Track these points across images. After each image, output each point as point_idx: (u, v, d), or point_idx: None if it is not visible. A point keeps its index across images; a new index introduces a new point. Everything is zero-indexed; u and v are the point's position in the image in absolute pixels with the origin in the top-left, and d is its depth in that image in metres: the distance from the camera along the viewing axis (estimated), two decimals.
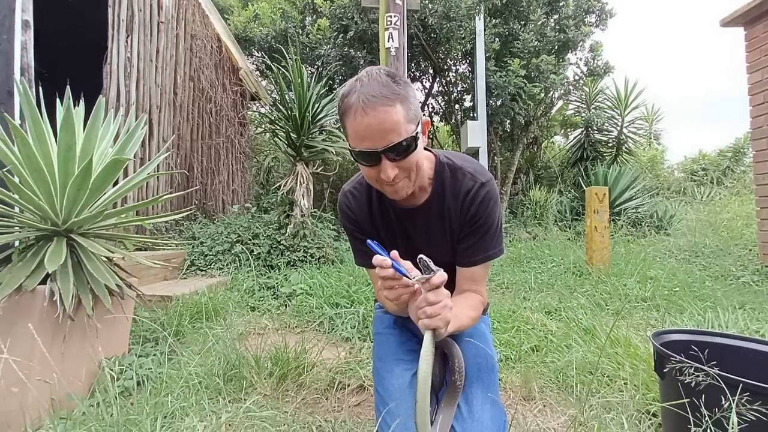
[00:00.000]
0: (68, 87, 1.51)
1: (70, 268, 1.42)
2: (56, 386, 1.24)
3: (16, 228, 1.49)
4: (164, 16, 3.94)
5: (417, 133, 0.78)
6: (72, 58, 5.10)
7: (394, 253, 0.70)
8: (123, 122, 1.88)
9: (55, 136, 1.46)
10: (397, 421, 0.83)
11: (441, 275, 0.69)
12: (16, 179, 1.37)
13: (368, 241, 0.73)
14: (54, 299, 1.36)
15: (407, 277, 0.69)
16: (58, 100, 1.60)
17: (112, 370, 1.40)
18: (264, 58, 6.09)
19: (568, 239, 4.59)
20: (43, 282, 1.39)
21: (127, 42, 3.44)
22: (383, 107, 0.73)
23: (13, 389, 1.22)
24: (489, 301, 1.05)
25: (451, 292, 0.93)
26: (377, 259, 0.68)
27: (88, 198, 1.46)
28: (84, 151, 1.52)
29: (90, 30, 4.34)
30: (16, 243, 1.53)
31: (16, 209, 1.48)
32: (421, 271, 0.70)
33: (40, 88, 1.73)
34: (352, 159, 0.84)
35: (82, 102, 1.73)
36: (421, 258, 0.70)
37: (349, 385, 1.56)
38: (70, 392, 1.33)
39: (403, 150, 0.77)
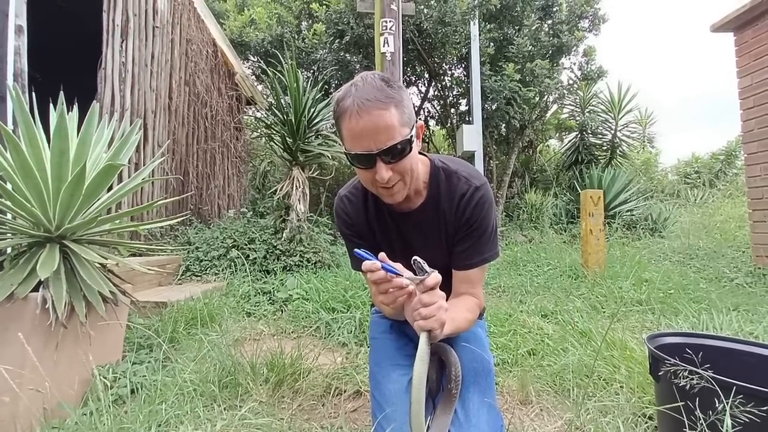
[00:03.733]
0: (62, 92, 1.50)
1: (63, 275, 1.41)
2: (48, 395, 1.22)
3: (8, 234, 1.48)
4: (159, 20, 3.93)
5: (411, 136, 0.80)
6: (66, 62, 5.08)
7: (382, 255, 0.71)
8: (117, 127, 1.87)
9: (49, 141, 1.45)
10: (393, 426, 0.83)
11: (435, 276, 0.69)
12: (9, 185, 1.36)
13: (356, 250, 0.73)
14: (46, 306, 1.34)
15: (399, 275, 0.69)
16: (51, 105, 1.59)
17: (105, 377, 1.38)
18: (260, 62, 6.08)
19: (564, 242, 4.61)
20: (36, 289, 1.37)
21: (121, 47, 3.43)
22: (378, 110, 0.74)
23: (4, 398, 1.20)
24: (486, 305, 1.05)
25: (448, 295, 0.93)
26: (366, 264, 0.69)
27: (82, 204, 1.45)
28: (77, 156, 1.51)
29: (84, 35, 4.34)
30: (8, 250, 1.51)
31: (9, 216, 1.47)
32: (415, 272, 0.71)
33: (34, 93, 1.73)
34: (348, 162, 0.85)
35: (75, 107, 1.72)
36: (416, 260, 0.70)
37: (345, 391, 1.56)
38: (63, 401, 1.31)
39: (398, 153, 0.78)
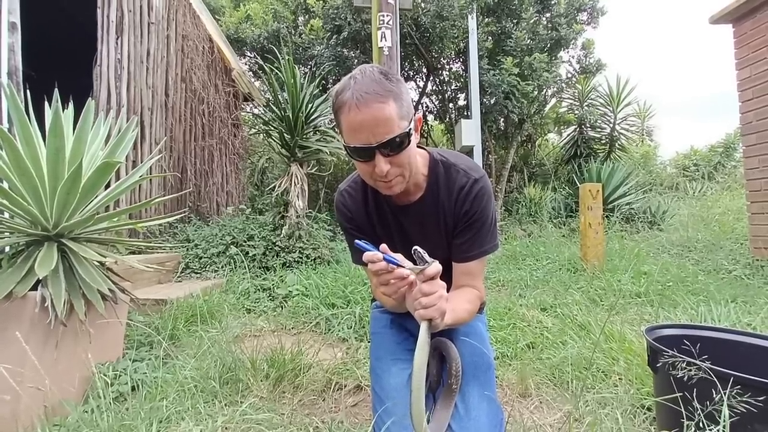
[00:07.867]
0: (57, 89, 1.49)
1: (62, 273, 1.41)
2: (49, 393, 1.22)
3: (5, 233, 1.47)
4: (155, 16, 3.90)
5: (410, 129, 0.80)
6: (61, 60, 5.04)
7: (383, 246, 0.71)
8: (114, 124, 1.86)
9: (44, 139, 1.44)
10: (393, 419, 0.83)
11: (435, 266, 0.69)
12: (5, 184, 1.35)
13: (356, 241, 0.73)
14: (45, 305, 1.34)
15: (400, 266, 0.69)
16: (46, 102, 1.58)
17: (105, 375, 1.39)
18: (256, 58, 6.06)
19: (563, 236, 4.62)
20: (34, 288, 1.37)
21: (117, 43, 3.40)
22: (376, 103, 0.74)
23: (4, 397, 1.20)
24: (485, 299, 1.06)
25: (449, 288, 0.93)
26: (367, 255, 0.69)
27: (79, 202, 1.44)
28: (74, 154, 1.50)
29: (79, 31, 4.30)
30: (6, 249, 1.51)
31: (6, 214, 1.46)
32: (415, 262, 0.71)
33: (28, 90, 1.71)
34: (347, 155, 0.85)
35: (71, 105, 1.71)
36: (416, 249, 0.70)
37: (346, 386, 1.56)
38: (63, 399, 1.31)
39: (396, 145, 0.78)
